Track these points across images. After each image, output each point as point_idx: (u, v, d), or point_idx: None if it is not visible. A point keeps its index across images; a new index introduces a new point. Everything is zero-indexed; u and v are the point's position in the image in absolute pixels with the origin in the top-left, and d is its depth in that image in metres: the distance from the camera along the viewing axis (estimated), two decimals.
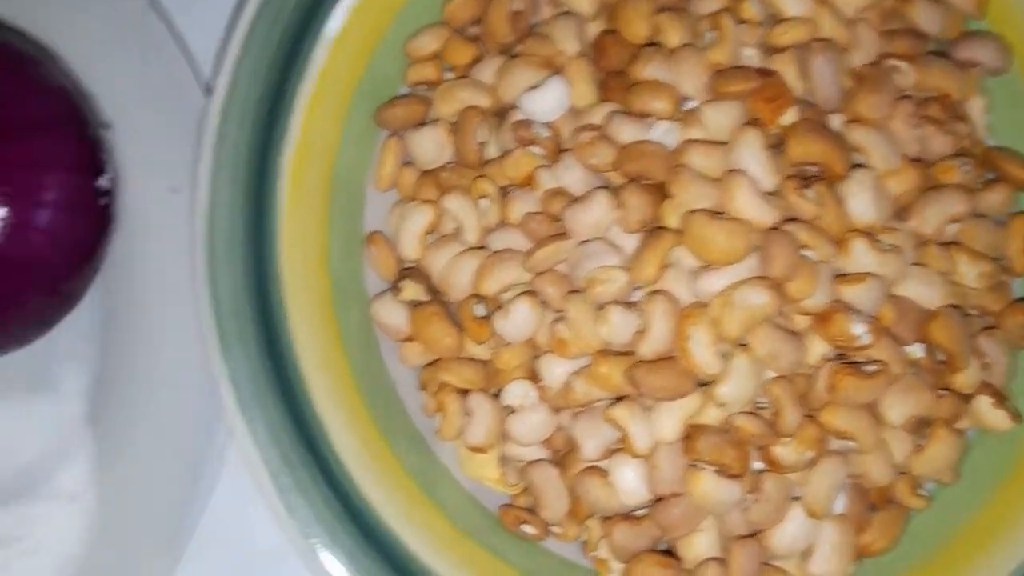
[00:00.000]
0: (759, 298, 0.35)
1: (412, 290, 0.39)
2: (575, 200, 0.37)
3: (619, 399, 0.37)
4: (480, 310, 0.39)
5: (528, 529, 0.39)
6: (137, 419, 0.42)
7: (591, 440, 0.37)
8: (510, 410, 0.38)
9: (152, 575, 0.40)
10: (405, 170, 0.41)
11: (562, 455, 0.39)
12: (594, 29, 0.40)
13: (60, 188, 0.37)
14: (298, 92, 0.38)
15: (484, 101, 0.40)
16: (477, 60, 0.41)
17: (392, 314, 0.40)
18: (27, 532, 0.40)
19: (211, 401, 0.41)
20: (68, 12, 0.42)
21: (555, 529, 0.39)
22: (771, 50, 0.38)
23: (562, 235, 0.37)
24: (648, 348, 0.36)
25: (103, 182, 0.39)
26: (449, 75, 0.41)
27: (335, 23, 0.39)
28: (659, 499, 0.37)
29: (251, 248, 0.37)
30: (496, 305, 0.38)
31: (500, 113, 0.40)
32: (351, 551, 0.36)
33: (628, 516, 0.38)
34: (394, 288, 0.40)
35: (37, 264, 0.37)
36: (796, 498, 0.37)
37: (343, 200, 0.40)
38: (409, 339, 0.40)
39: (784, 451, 0.36)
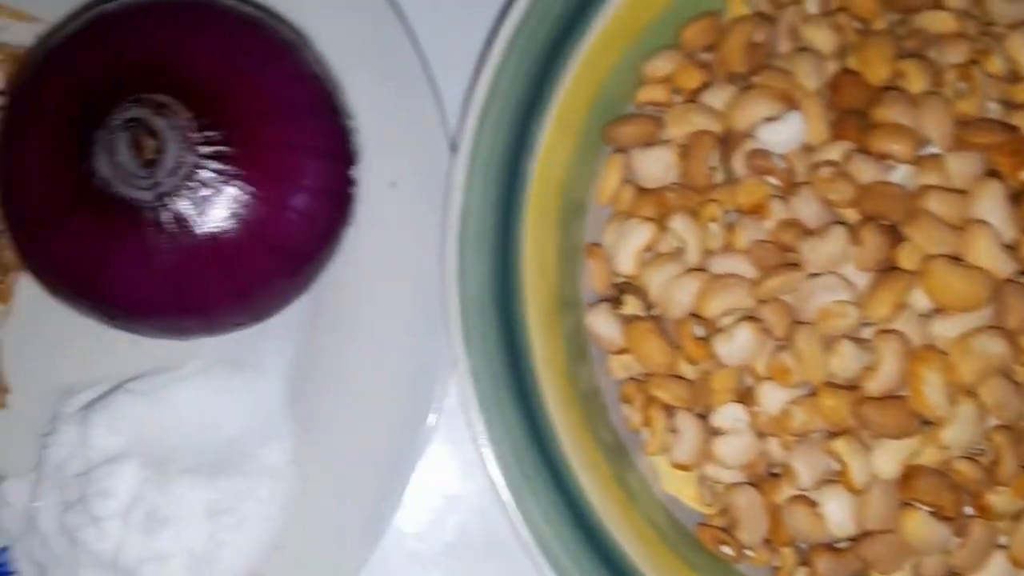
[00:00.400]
0: (997, 347, 0.36)
1: (633, 304, 0.40)
2: (811, 233, 0.38)
3: (835, 432, 0.38)
4: (698, 331, 0.39)
5: (726, 550, 0.40)
6: (337, 406, 0.43)
7: (808, 470, 0.38)
8: (716, 431, 0.39)
9: (349, 558, 0.41)
10: (623, 187, 0.42)
11: (759, 480, 0.40)
12: (831, 67, 0.40)
13: (317, 174, 0.37)
14: (547, 106, 0.39)
15: (715, 127, 0.40)
16: (705, 86, 0.42)
17: (608, 326, 0.40)
18: (232, 506, 0.40)
19: (411, 397, 0.42)
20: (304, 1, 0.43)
21: (749, 552, 0.40)
22: (1011, 105, 0.39)
23: (791, 265, 0.38)
24: (876, 385, 0.37)
25: (352, 172, 0.40)
26: (676, 98, 0.42)
27: (585, 43, 0.40)
28: (865, 533, 0.38)
29: (497, 249, 0.38)
30: (713, 327, 0.39)
31: (725, 140, 0.41)
32: (575, 552, 0.37)
33: (830, 547, 0.38)
34: (614, 301, 0.41)
35: (290, 246, 0.37)
36: (999, 546, 0.38)
37: (569, 211, 0.41)
38: (621, 351, 0.41)
39: (998, 499, 0.37)
